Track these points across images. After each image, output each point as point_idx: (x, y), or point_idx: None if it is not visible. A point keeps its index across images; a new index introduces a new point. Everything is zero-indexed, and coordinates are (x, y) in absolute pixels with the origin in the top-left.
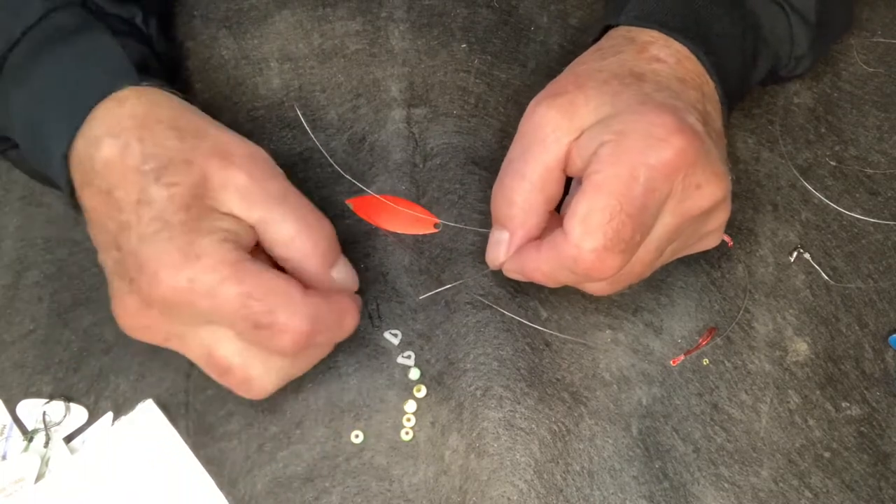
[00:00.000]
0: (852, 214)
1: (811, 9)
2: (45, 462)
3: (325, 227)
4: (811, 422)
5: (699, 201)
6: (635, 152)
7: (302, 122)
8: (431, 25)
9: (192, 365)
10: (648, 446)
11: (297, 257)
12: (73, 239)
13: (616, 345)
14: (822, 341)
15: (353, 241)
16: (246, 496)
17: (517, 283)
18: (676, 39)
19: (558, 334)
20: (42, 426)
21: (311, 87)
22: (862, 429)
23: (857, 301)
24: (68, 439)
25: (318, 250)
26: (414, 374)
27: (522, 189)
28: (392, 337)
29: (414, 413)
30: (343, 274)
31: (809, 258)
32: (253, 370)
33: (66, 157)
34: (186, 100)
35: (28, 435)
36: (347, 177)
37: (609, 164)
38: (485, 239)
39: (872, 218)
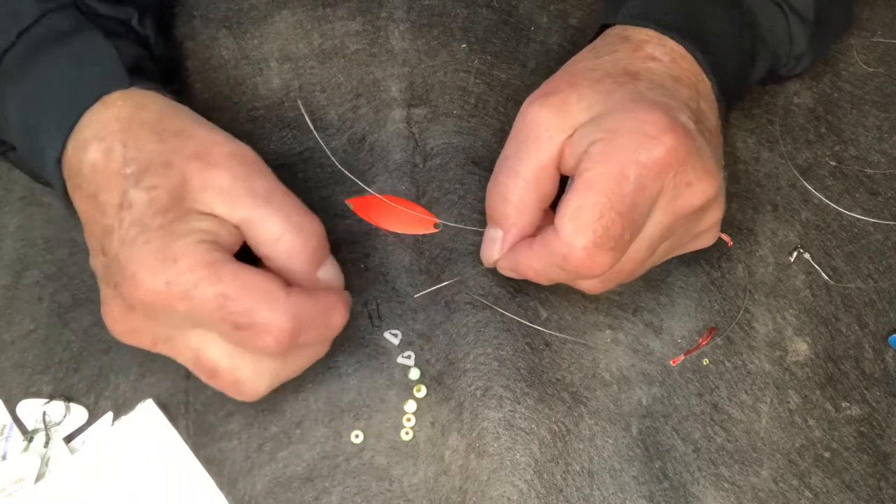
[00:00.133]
0: (852, 214)
1: (809, 7)
2: (45, 462)
3: (313, 227)
4: (811, 422)
5: (691, 199)
6: (626, 150)
7: (306, 121)
8: (431, 25)
9: None
10: (648, 446)
11: (283, 257)
12: (74, 239)
13: (616, 345)
14: (822, 341)
15: (353, 241)
16: (246, 496)
17: (517, 282)
18: (671, 38)
19: (558, 334)
20: (42, 426)
21: (311, 87)
22: (862, 429)
23: (857, 301)
24: (68, 439)
25: (305, 250)
26: (414, 374)
27: (516, 187)
28: (392, 337)
29: (414, 413)
30: (329, 274)
31: (809, 258)
32: (242, 373)
33: (59, 161)
34: (181, 100)
35: (28, 435)
36: (349, 175)
37: (600, 162)
38: None
39: (872, 218)
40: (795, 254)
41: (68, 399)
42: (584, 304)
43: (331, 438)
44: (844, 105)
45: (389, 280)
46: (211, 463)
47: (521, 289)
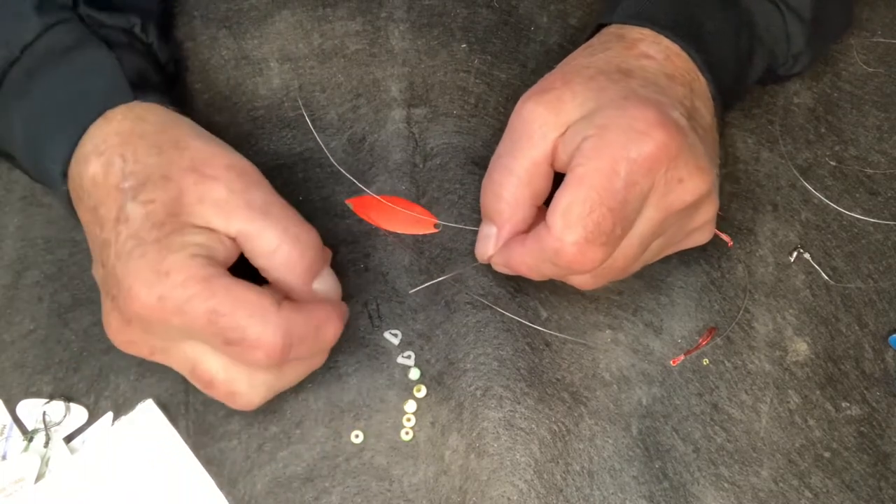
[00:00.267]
0: (852, 214)
1: (807, 6)
2: (45, 462)
3: (309, 238)
4: (811, 422)
5: (682, 195)
6: (616, 146)
7: (306, 121)
8: (431, 25)
9: None
10: (648, 446)
11: (279, 268)
12: (74, 239)
13: (616, 345)
14: (822, 341)
15: (353, 241)
16: (246, 496)
17: (517, 282)
18: (666, 37)
19: (558, 334)
20: (42, 426)
21: (311, 87)
22: (862, 429)
23: (857, 301)
24: (68, 439)
25: (302, 261)
26: (414, 374)
27: (510, 184)
28: (392, 337)
29: (414, 413)
30: (326, 284)
31: (809, 258)
32: (237, 385)
33: (64, 175)
34: (183, 104)
35: (28, 435)
36: (348, 175)
37: (591, 158)
38: None
39: (872, 218)
40: (795, 254)
41: (68, 399)
42: (584, 304)
43: (331, 438)
44: (844, 105)
45: (389, 280)
46: (211, 463)
47: (521, 289)
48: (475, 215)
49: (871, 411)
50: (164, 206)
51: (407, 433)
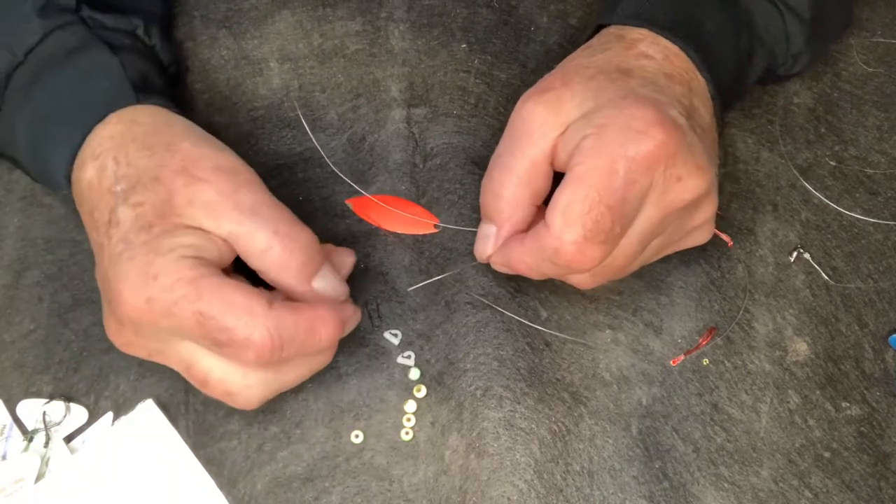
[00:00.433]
0: (852, 214)
1: (806, 6)
2: (45, 462)
3: (301, 238)
4: (811, 422)
5: (681, 193)
6: (615, 145)
7: (302, 123)
8: (431, 25)
9: None
10: (648, 446)
11: (273, 269)
12: (74, 239)
13: (616, 345)
14: (822, 341)
15: (353, 241)
16: (246, 496)
17: (517, 282)
18: (665, 37)
19: (558, 334)
20: (42, 426)
21: (311, 87)
22: (862, 429)
23: (857, 301)
24: (68, 439)
25: (294, 261)
26: (414, 374)
27: (509, 183)
28: (392, 337)
29: (414, 413)
30: (326, 283)
31: (809, 258)
32: (232, 384)
33: (68, 179)
34: (183, 104)
35: (28, 435)
36: (345, 178)
37: (589, 157)
38: None
39: (872, 218)
40: (795, 254)
41: (68, 399)
42: (584, 304)
43: (331, 438)
44: (844, 105)
45: (389, 280)
46: (211, 463)
47: (521, 289)
48: (475, 215)
49: (871, 411)
50: (154, 209)
51: (407, 433)
